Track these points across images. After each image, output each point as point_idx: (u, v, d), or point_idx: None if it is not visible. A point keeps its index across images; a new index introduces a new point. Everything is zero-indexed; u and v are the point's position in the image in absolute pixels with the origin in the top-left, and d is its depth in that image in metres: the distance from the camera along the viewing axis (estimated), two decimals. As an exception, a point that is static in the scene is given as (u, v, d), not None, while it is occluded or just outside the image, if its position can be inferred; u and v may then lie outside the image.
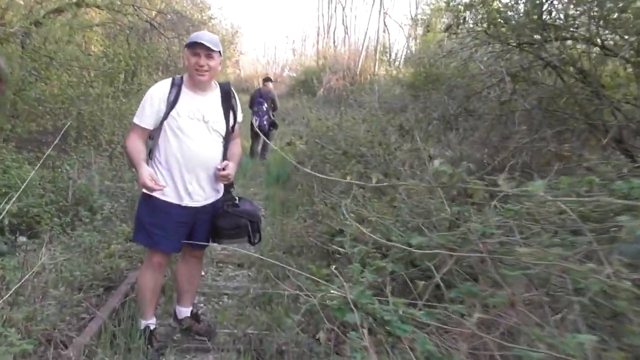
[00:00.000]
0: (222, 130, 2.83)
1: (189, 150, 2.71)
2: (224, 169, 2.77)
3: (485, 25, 5.44)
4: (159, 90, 2.72)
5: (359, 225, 2.77)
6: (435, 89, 14.15)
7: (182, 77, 2.79)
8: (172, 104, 2.67)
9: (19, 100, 5.62)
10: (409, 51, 24.33)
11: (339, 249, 3.05)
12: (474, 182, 2.07)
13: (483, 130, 6.65)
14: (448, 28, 5.31)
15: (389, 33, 25.40)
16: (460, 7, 5.83)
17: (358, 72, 22.24)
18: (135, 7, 8.54)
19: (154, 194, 2.67)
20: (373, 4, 23.60)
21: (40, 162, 3.38)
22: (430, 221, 2.93)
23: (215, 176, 2.81)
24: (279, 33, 35.87)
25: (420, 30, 24.11)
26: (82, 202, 4.91)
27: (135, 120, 2.73)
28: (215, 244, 3.10)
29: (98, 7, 7.61)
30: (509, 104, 5.70)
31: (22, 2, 6.46)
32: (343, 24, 28.59)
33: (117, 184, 5.20)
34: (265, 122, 9.81)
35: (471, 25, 5.70)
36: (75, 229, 4.30)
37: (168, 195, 2.74)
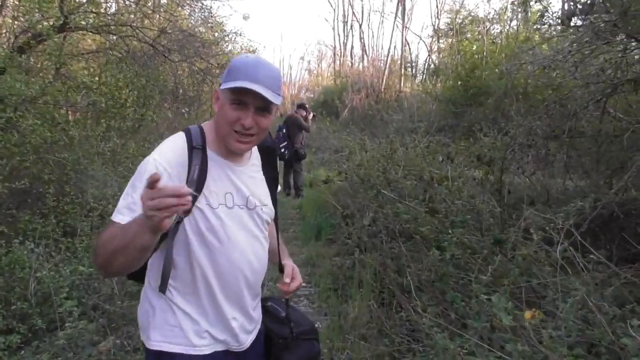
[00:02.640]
0: (271, 216, 1.65)
1: (228, 264, 1.49)
2: (291, 281, 1.63)
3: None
4: (169, 160, 1.40)
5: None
6: (480, 104, 12.54)
7: (200, 131, 1.51)
8: (197, 186, 1.41)
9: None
10: (432, 64, 22.97)
11: None
12: None
13: (594, 155, 4.94)
14: (571, 16, 3.60)
15: (409, 47, 24.05)
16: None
17: (382, 90, 20.77)
18: (134, 27, 7.08)
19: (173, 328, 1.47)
20: (395, 18, 22.25)
21: None
22: None
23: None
24: (294, 53, 34.82)
25: (441, 42, 22.79)
26: (45, 303, 3.31)
27: (116, 217, 1.34)
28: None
29: (85, 29, 6.15)
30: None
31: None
32: (360, 41, 27.54)
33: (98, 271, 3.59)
34: (283, 150, 8.26)
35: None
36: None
37: (196, 344, 1.47)
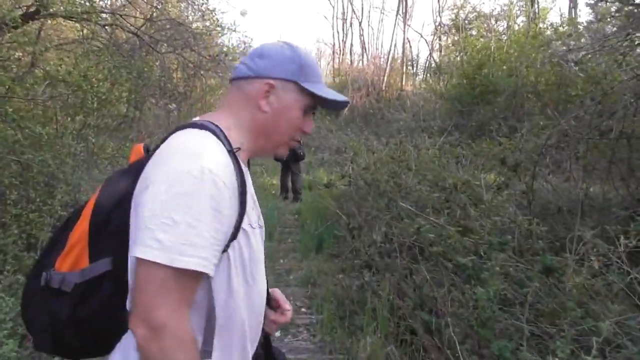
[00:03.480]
0: None
1: (259, 301, 1.11)
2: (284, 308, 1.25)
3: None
4: (227, 172, 0.95)
5: None
6: (488, 103, 11.90)
7: (221, 131, 1.03)
8: (243, 204, 0.98)
9: None
10: (434, 62, 22.39)
11: None
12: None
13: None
14: None
15: (410, 45, 23.45)
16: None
17: (383, 88, 20.16)
18: (117, 15, 6.43)
19: None
20: (397, 16, 21.60)
21: None
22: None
23: None
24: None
25: (444, 39, 22.18)
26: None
27: (182, 260, 0.85)
28: None
29: (60, 16, 5.49)
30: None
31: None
32: (360, 39, 26.94)
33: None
34: None
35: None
36: None
37: None
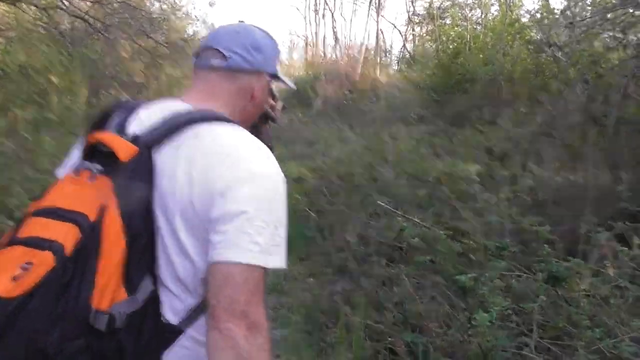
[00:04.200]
0: None
1: None
2: None
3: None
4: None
5: None
6: (465, 92, 11.58)
7: None
8: None
9: None
10: (407, 53, 22.10)
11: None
12: None
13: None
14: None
15: (384, 36, 23.10)
16: None
17: (357, 79, 19.72)
18: (60, -3, 5.78)
19: None
20: (370, 6, 21.16)
21: None
22: None
23: None
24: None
25: (417, 29, 21.89)
26: None
27: (272, 260, 0.92)
28: None
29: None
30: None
31: None
32: (333, 30, 26.41)
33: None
34: None
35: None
36: None
37: None
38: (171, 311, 0.91)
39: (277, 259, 0.89)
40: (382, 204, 3.01)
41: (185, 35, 7.16)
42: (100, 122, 0.97)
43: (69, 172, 0.92)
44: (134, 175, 0.88)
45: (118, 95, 7.30)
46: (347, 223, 3.53)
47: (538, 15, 10.03)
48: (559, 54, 6.17)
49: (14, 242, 0.82)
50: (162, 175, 0.88)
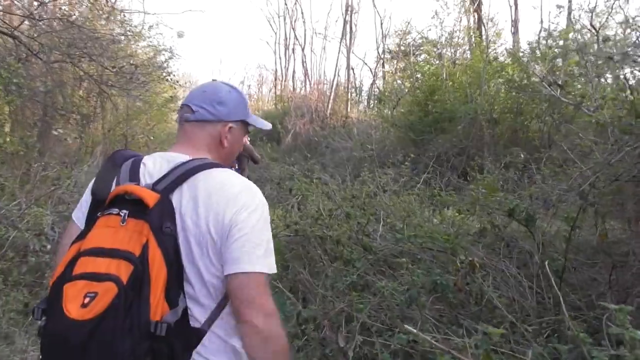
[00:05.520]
0: None
1: None
2: None
3: None
4: None
5: None
6: (443, 131, 10.96)
7: None
8: None
9: None
10: (378, 89, 21.76)
11: None
12: None
13: None
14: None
15: (354, 72, 22.81)
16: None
17: (328, 115, 19.09)
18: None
19: None
20: (341, 41, 20.84)
21: None
22: None
23: None
24: (234, 77, 33.21)
25: (388, 66, 21.68)
26: None
27: (269, 267, 1.33)
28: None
29: None
30: None
31: None
32: (303, 65, 25.98)
33: None
34: None
35: None
36: None
37: None
38: (197, 317, 1.22)
39: (272, 266, 1.25)
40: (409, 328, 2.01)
41: (133, 60, 6.15)
42: (110, 173, 1.29)
43: (101, 217, 1.17)
44: (162, 216, 1.17)
45: (58, 126, 6.17)
46: (339, 321, 2.54)
47: (538, 51, 9.55)
48: (558, 93, 5.50)
49: (73, 277, 1.09)
50: (180, 214, 1.20)
